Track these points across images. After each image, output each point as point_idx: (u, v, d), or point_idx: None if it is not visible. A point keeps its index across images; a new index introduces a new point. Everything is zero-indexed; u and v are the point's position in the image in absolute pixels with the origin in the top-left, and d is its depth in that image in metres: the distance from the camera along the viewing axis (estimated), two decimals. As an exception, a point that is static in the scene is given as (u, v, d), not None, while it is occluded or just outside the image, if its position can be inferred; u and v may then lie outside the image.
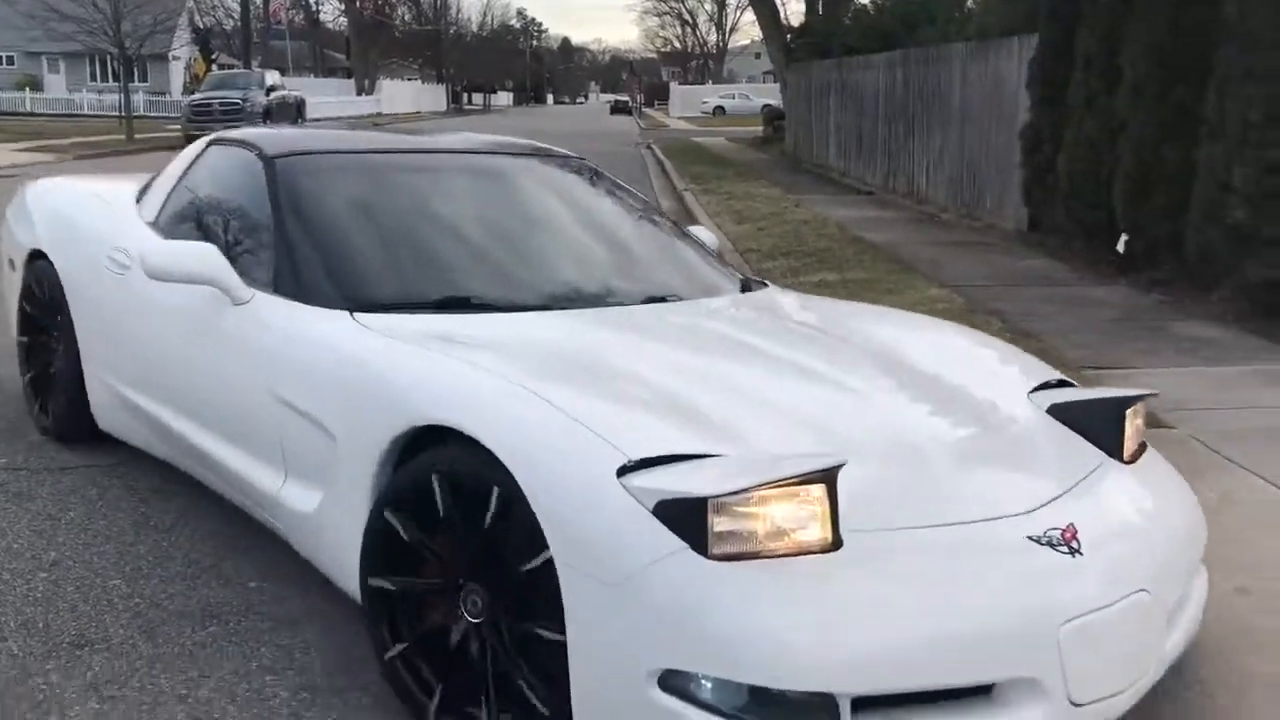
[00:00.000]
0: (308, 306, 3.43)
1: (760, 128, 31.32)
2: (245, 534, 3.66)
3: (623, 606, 2.36)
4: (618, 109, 77.41)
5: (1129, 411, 3.14)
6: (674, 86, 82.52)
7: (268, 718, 2.75)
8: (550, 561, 2.49)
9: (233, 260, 3.63)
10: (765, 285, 4.33)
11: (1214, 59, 7.53)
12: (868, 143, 17.40)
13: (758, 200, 14.58)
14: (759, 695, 2.30)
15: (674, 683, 2.34)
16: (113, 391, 4.26)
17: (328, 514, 3.12)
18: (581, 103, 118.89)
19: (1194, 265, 7.60)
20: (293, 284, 3.54)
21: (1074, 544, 2.68)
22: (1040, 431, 3.19)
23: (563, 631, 2.47)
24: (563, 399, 2.70)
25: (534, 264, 3.94)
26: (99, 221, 4.56)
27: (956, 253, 10.40)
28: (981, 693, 2.45)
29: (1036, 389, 3.39)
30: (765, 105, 35.02)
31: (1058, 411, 3.25)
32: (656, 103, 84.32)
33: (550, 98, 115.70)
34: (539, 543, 2.51)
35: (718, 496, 2.34)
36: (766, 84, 59.73)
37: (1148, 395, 3.28)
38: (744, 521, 2.38)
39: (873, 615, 2.38)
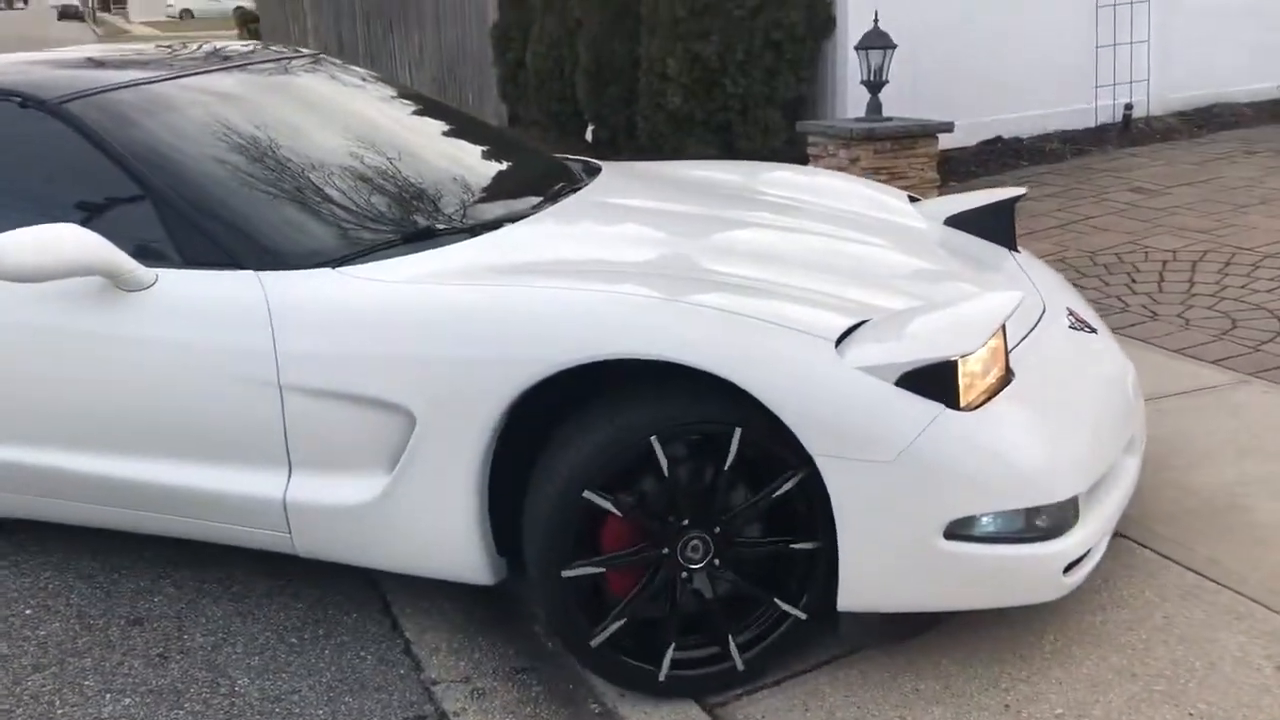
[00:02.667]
0: (271, 273, 2.90)
1: (235, 32, 29.71)
2: None
3: (900, 479, 2.47)
4: (67, 14, 69.38)
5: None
6: (132, -12, 75.19)
7: None
8: (797, 472, 2.54)
9: None
10: (599, 166, 4.16)
11: (645, -38, 8.45)
12: (349, 44, 17.27)
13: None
14: (1030, 514, 2.57)
15: (956, 530, 2.52)
16: None
17: (401, 499, 2.78)
18: (21, 8, 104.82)
19: (648, 148, 8.62)
20: (223, 251, 2.96)
21: (1085, 324, 3.14)
22: (967, 241, 3.57)
23: (822, 532, 2.55)
24: (726, 304, 2.62)
25: (449, 179, 3.59)
26: None
27: (445, 150, 10.85)
28: None
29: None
30: (238, 8, 33.17)
31: (953, 222, 3.64)
32: (114, 6, 76.42)
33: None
34: (788, 456, 2.53)
35: (965, 355, 2.50)
36: (237, -16, 56.20)
37: (1023, 194, 3.69)
38: (971, 369, 2.55)
39: (1063, 425, 2.71)
